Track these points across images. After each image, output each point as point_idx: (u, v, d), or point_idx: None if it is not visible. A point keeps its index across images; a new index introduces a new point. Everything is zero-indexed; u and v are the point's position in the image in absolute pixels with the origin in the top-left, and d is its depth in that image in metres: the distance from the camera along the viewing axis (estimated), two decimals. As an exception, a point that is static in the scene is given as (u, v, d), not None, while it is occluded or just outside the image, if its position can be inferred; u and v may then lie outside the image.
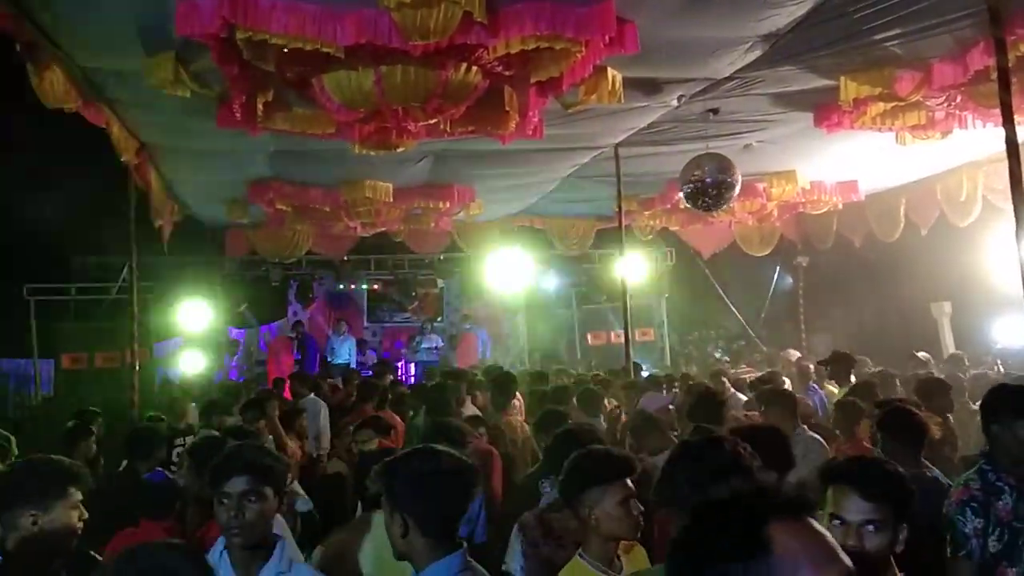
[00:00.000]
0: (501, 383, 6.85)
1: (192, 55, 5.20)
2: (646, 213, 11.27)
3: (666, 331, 15.95)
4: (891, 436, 3.95)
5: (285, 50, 4.73)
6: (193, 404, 7.83)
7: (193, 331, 12.80)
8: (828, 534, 1.21)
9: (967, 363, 8.99)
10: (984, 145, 8.02)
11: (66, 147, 8.75)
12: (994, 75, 4.33)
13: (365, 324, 15.63)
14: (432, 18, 4.23)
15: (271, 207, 9.69)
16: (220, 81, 5.51)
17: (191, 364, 12.60)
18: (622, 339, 9.21)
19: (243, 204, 9.92)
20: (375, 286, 15.54)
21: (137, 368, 7.84)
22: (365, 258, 14.11)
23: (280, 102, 6.04)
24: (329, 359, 13.89)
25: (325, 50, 4.59)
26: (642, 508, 2.67)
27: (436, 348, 14.27)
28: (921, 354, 8.91)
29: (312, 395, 8.14)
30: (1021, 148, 4.36)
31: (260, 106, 5.83)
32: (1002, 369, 8.72)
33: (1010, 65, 4.43)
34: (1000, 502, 3.12)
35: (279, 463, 2.74)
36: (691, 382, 7.77)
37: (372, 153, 6.75)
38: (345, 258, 13.70)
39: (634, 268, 13.18)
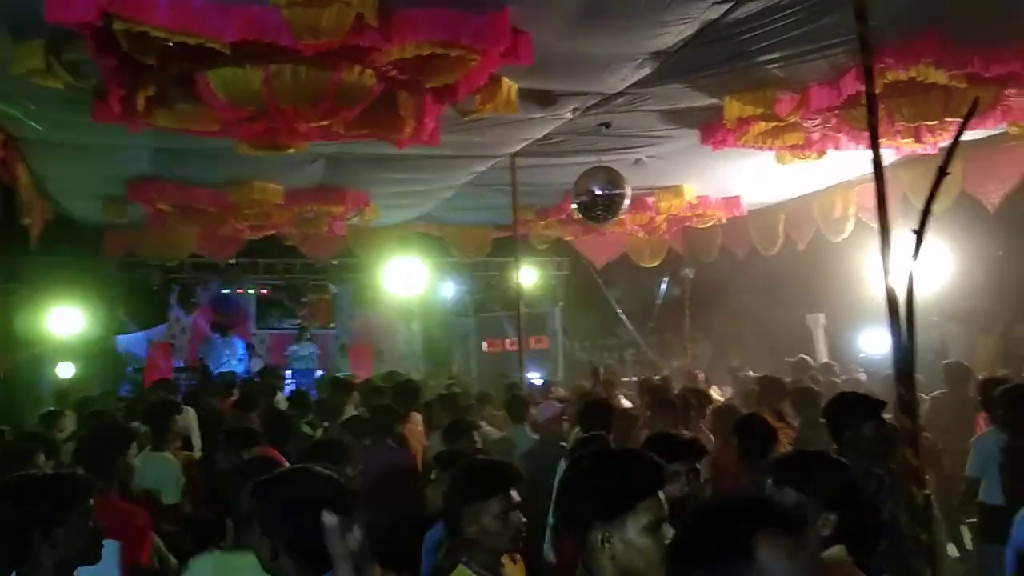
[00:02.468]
0: (401, 391, 6.83)
1: (66, 43, 4.89)
2: (542, 223, 11.40)
3: (560, 339, 16.19)
4: (741, 442, 4.23)
5: (168, 44, 4.53)
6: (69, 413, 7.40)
7: (65, 336, 12.06)
8: (814, 551, 1.30)
9: (838, 371, 9.56)
10: (856, 166, 8.53)
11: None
12: (864, 100, 4.59)
13: (253, 331, 15.14)
14: (323, 18, 4.12)
15: (152, 207, 9.24)
16: (97, 72, 5.21)
17: (66, 372, 11.88)
18: (517, 347, 9.28)
19: (122, 203, 9.41)
20: (264, 291, 15.06)
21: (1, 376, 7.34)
22: (253, 261, 13.62)
23: (162, 97, 5.76)
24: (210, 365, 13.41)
25: (210, 46, 4.41)
26: (523, 519, 2.68)
27: (313, 355, 13.96)
28: (800, 358, 9.42)
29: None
30: (886, 170, 4.66)
31: (140, 101, 5.54)
32: (864, 377, 9.31)
33: (877, 92, 4.72)
34: None
35: None
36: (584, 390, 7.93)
37: (260, 154, 6.54)
38: (232, 261, 13.19)
39: (530, 277, 13.35)
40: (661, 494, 2.01)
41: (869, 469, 3.55)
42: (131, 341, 14.36)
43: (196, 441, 7.35)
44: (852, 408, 3.67)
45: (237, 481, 2.84)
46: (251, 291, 14.94)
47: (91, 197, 9.59)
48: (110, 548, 3.12)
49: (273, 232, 10.96)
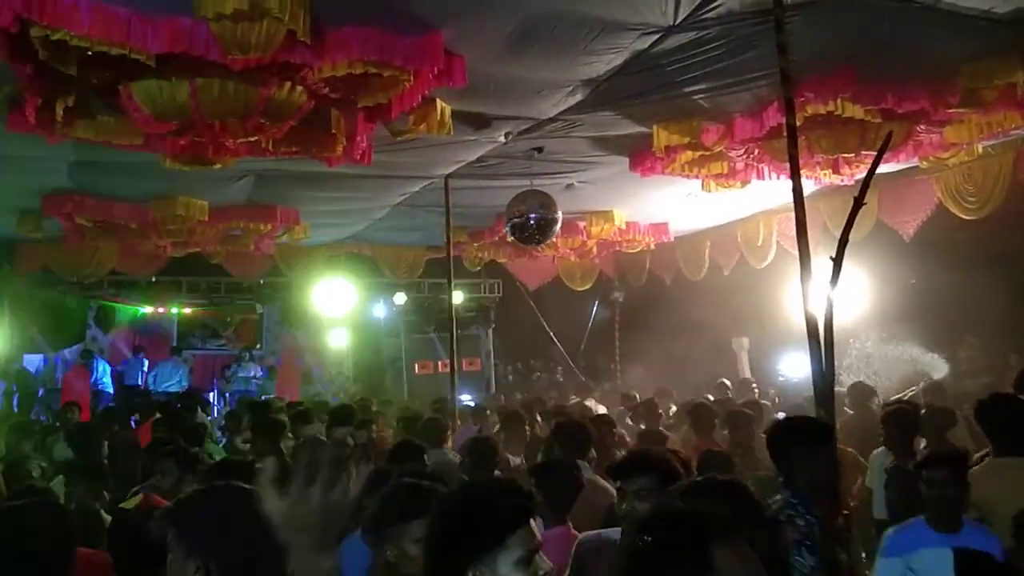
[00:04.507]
0: (337, 415, 6.74)
1: (-23, 49, 4.69)
2: (475, 245, 11.41)
3: (492, 361, 16.18)
4: (561, 444, 4.64)
5: (89, 52, 4.39)
6: None
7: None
8: (754, 555, 1.41)
9: (754, 389, 9.86)
10: (778, 195, 8.82)
11: None
12: (785, 132, 4.77)
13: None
14: (253, 33, 4.06)
15: (70, 221, 8.88)
16: (12, 80, 5.00)
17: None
18: (449, 369, 9.23)
19: (37, 217, 9.01)
20: (186, 310, 14.61)
21: None
22: (176, 280, 13.21)
23: (83, 108, 5.56)
24: (153, 387, 12.97)
25: (135, 56, 4.29)
26: None
27: (254, 378, 13.63)
28: (720, 382, 9.66)
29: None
30: (806, 200, 4.83)
31: (59, 111, 5.34)
32: (778, 400, 9.58)
33: (798, 124, 4.90)
34: None
35: None
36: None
37: (186, 169, 6.37)
38: (153, 279, 12.76)
39: (462, 298, 13.33)
40: (532, 523, 1.91)
41: (825, 497, 3.35)
42: (44, 362, 13.72)
43: None
44: (803, 434, 3.41)
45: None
46: (174, 310, 14.48)
47: (4, 210, 9.17)
48: None
49: (198, 250, 10.66)
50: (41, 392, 13.25)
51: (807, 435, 3.39)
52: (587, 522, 3.59)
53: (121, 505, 4.05)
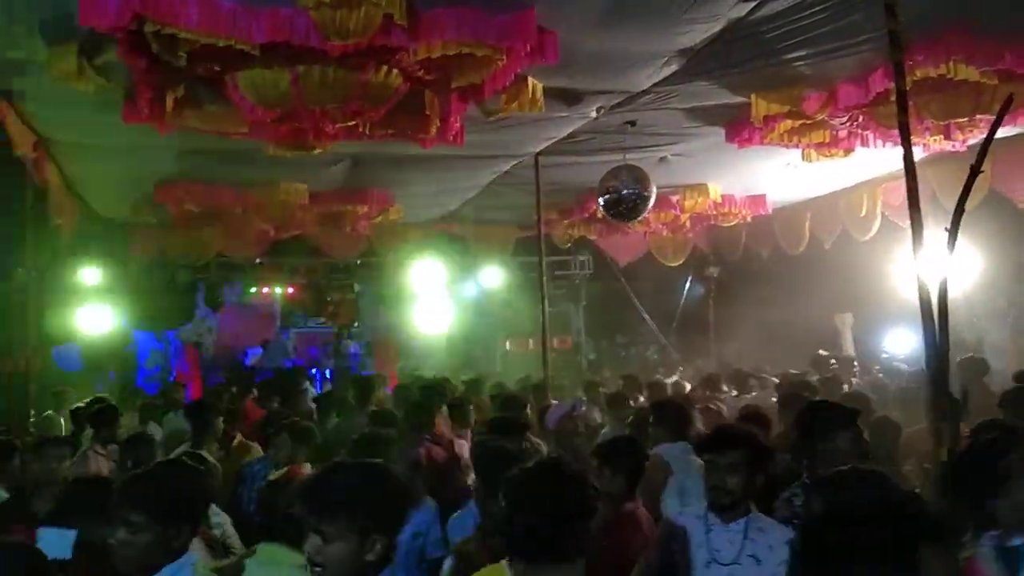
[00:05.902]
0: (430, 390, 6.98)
1: (97, 46, 4.97)
2: (565, 222, 11.38)
3: (583, 339, 16.17)
4: (657, 422, 4.90)
5: (197, 46, 4.58)
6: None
7: (94, 335, 12.21)
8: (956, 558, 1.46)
9: (856, 367, 9.49)
10: (883, 164, 8.43)
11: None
12: (893, 97, 4.55)
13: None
14: (352, 19, 4.16)
15: (179, 207, 9.35)
16: (127, 75, 5.28)
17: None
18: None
19: (150, 203, 9.54)
20: (289, 290, 15.20)
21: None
22: (278, 261, 13.76)
23: (191, 99, 5.82)
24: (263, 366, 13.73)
25: (239, 47, 4.46)
26: None
27: (353, 354, 14.15)
28: (818, 353, 9.39)
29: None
30: (917, 167, 4.61)
31: (170, 102, 5.61)
32: (882, 376, 9.21)
33: (908, 88, 4.67)
34: None
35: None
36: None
37: (288, 154, 6.60)
38: (258, 261, 13.32)
39: (552, 276, 13.34)
40: None
41: None
42: (156, 340, 14.54)
43: None
44: (825, 418, 3.46)
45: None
46: (277, 290, 15.09)
47: (120, 197, 9.73)
48: None
49: (297, 232, 11.04)
50: (157, 369, 14.07)
51: (828, 420, 3.42)
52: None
53: (269, 477, 4.31)
